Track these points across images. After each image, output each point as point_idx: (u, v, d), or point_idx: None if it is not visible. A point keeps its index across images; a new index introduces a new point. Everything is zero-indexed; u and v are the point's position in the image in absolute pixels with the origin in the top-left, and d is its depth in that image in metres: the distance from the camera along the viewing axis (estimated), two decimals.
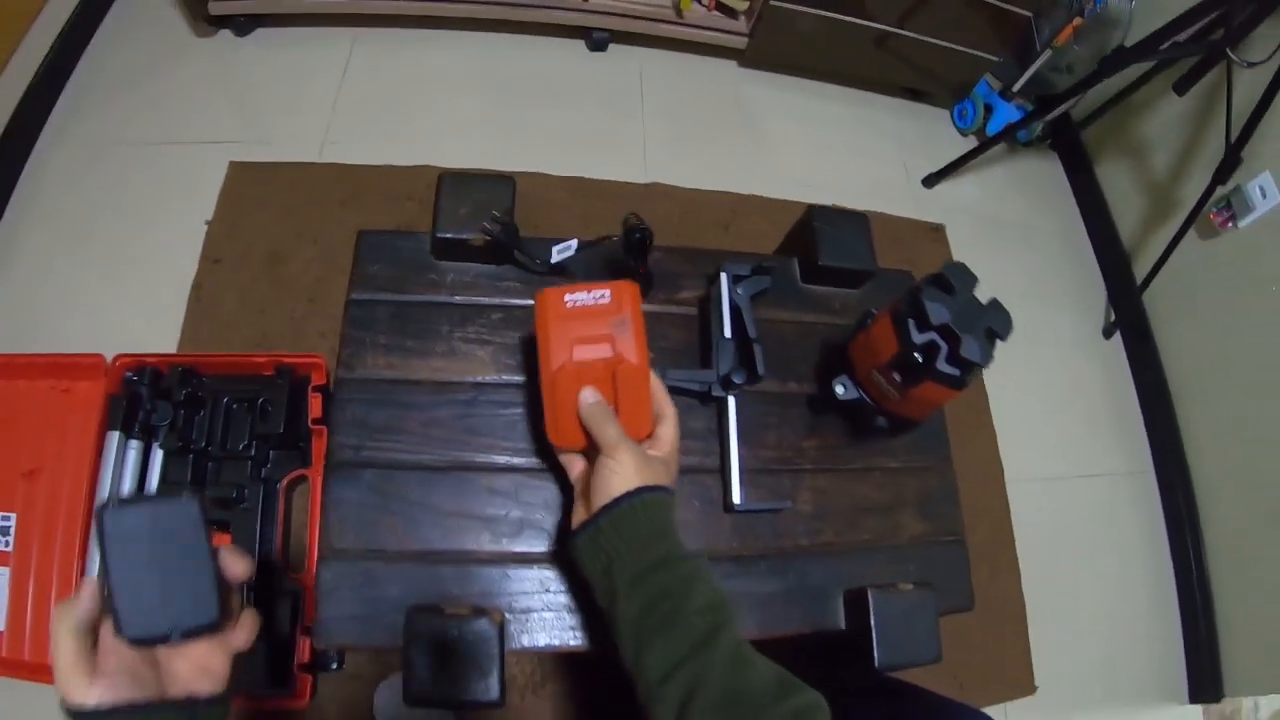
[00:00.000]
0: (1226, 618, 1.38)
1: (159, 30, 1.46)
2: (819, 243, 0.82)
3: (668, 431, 0.59)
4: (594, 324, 0.57)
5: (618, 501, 0.53)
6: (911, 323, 0.64)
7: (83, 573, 0.95)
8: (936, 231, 1.61)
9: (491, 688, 0.57)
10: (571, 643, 0.64)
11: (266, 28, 1.49)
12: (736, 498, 0.69)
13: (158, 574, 0.43)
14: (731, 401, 0.72)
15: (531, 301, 0.67)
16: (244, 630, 0.49)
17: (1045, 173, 1.83)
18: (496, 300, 0.75)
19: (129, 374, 1.04)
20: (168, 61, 1.44)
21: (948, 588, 0.76)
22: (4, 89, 1.31)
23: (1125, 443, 1.55)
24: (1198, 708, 1.39)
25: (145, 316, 1.21)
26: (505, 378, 0.72)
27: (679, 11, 1.54)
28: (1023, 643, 1.30)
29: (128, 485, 0.99)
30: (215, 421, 1.03)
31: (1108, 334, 1.64)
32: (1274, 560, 1.31)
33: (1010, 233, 1.71)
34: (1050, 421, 1.52)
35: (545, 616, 0.64)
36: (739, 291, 0.75)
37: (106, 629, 0.44)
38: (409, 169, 1.36)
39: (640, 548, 0.53)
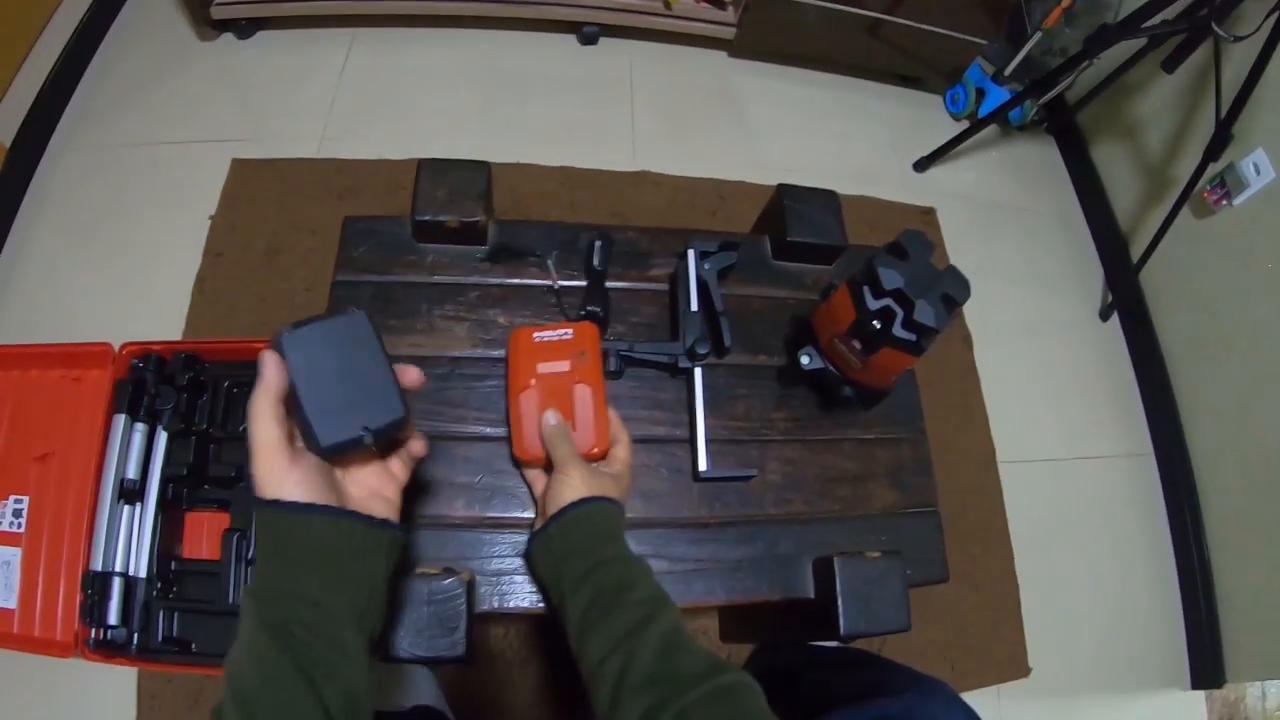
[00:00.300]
0: (1228, 600, 1.37)
1: (164, 35, 1.52)
2: (789, 220, 0.83)
3: (621, 453, 0.66)
4: (557, 355, 0.67)
5: (565, 510, 0.59)
6: (866, 289, 0.65)
7: (89, 553, 0.99)
8: (927, 214, 1.62)
9: (458, 644, 0.60)
10: (540, 604, 0.66)
11: (267, 30, 1.54)
12: (703, 464, 0.71)
13: (341, 384, 0.45)
14: (698, 372, 0.74)
15: (508, 280, 0.79)
16: (420, 440, 0.53)
17: (1040, 156, 1.82)
18: (473, 279, 0.78)
19: (135, 361, 1.09)
20: (173, 65, 1.49)
21: (921, 558, 0.77)
22: (16, 95, 1.37)
23: (1123, 425, 1.55)
24: (1200, 694, 1.37)
25: (152, 308, 1.26)
26: (480, 352, 0.74)
27: (667, 4, 1.56)
28: (1016, 623, 1.30)
29: (133, 465, 1.03)
30: (216, 405, 1.07)
31: (1104, 316, 1.63)
32: (1276, 541, 1.29)
33: (1005, 216, 1.70)
34: (1048, 404, 1.52)
35: (516, 580, 0.66)
36: (705, 267, 0.77)
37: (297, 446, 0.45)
38: (402, 162, 1.40)
39: (585, 550, 0.57)
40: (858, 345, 0.68)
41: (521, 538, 0.68)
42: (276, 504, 0.43)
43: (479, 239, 0.78)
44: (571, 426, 0.64)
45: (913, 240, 0.67)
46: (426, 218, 0.75)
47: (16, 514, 1.08)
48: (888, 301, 0.65)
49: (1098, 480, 1.49)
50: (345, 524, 0.45)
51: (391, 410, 0.47)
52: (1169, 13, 1.25)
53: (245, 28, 1.52)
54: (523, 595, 0.66)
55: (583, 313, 0.76)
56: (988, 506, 1.37)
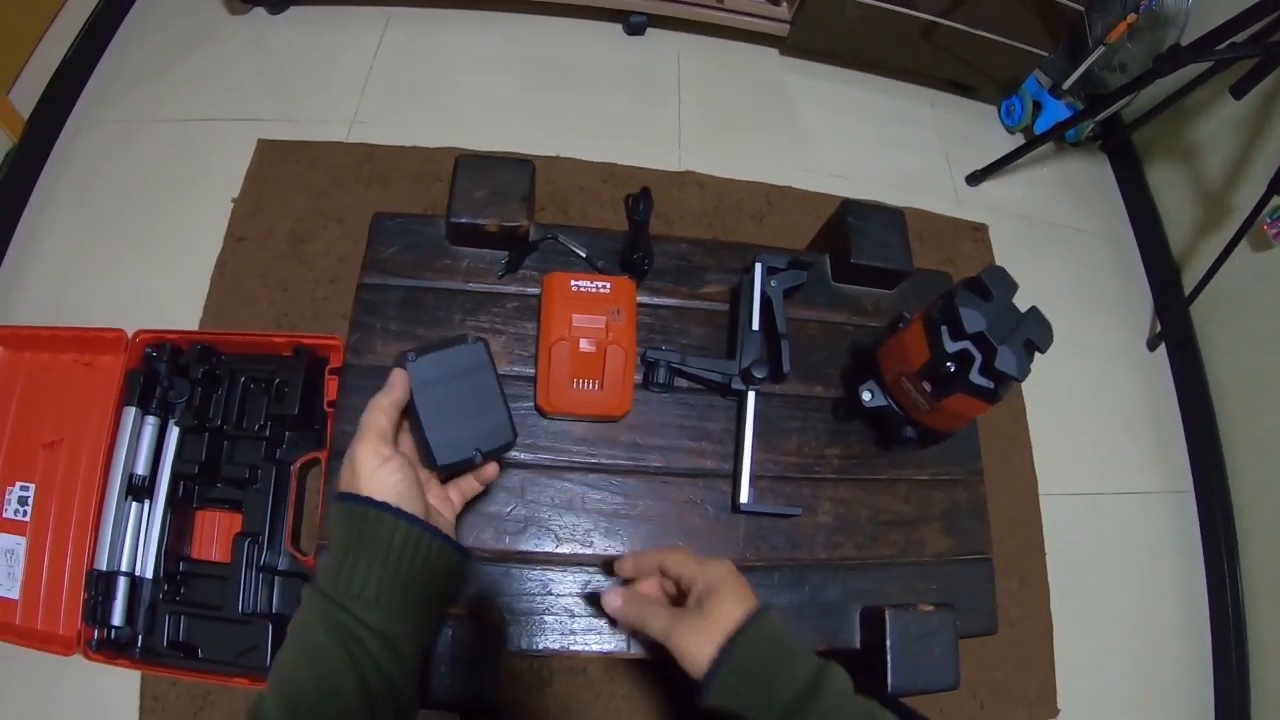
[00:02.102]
0: (1260, 648, 1.31)
1: (193, 6, 1.47)
2: (852, 239, 0.77)
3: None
4: (593, 308, 0.66)
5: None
6: (945, 330, 0.60)
7: (95, 551, 0.95)
8: (979, 231, 1.55)
9: (487, 693, 0.55)
10: (572, 647, 0.61)
11: (300, 5, 1.49)
12: (745, 496, 0.66)
13: (458, 407, 0.50)
14: (751, 396, 0.69)
15: None
16: (492, 467, 0.54)
17: (1094, 175, 1.75)
18: (512, 289, 0.73)
19: (149, 350, 1.05)
20: (201, 39, 1.44)
21: (971, 608, 0.72)
22: (37, 65, 1.32)
23: (1165, 460, 1.48)
24: None
25: (171, 293, 1.21)
26: (517, 369, 0.69)
27: None
28: (1047, 661, 1.25)
29: (143, 462, 1.00)
30: (232, 400, 1.03)
31: (1152, 346, 1.56)
32: None
33: (1055, 236, 1.63)
34: (1089, 435, 1.46)
35: (546, 620, 0.62)
36: (773, 284, 0.72)
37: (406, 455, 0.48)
38: (436, 150, 1.35)
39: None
40: (928, 387, 0.63)
41: (554, 574, 0.63)
42: (364, 500, 0.44)
43: (520, 244, 0.73)
44: (599, 386, 0.64)
45: (996, 279, 0.61)
46: (463, 220, 0.70)
47: (22, 501, 1.04)
48: (966, 344, 0.59)
49: (1135, 516, 1.43)
50: (425, 537, 0.45)
51: (503, 435, 0.52)
52: (1240, 35, 1.18)
53: (277, 2, 1.46)
54: (552, 637, 0.62)
55: (624, 263, 0.72)
56: (1027, 539, 1.31)
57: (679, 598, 0.55)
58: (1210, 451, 1.45)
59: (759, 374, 0.66)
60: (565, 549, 0.64)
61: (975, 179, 1.61)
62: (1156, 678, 1.33)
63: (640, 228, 0.72)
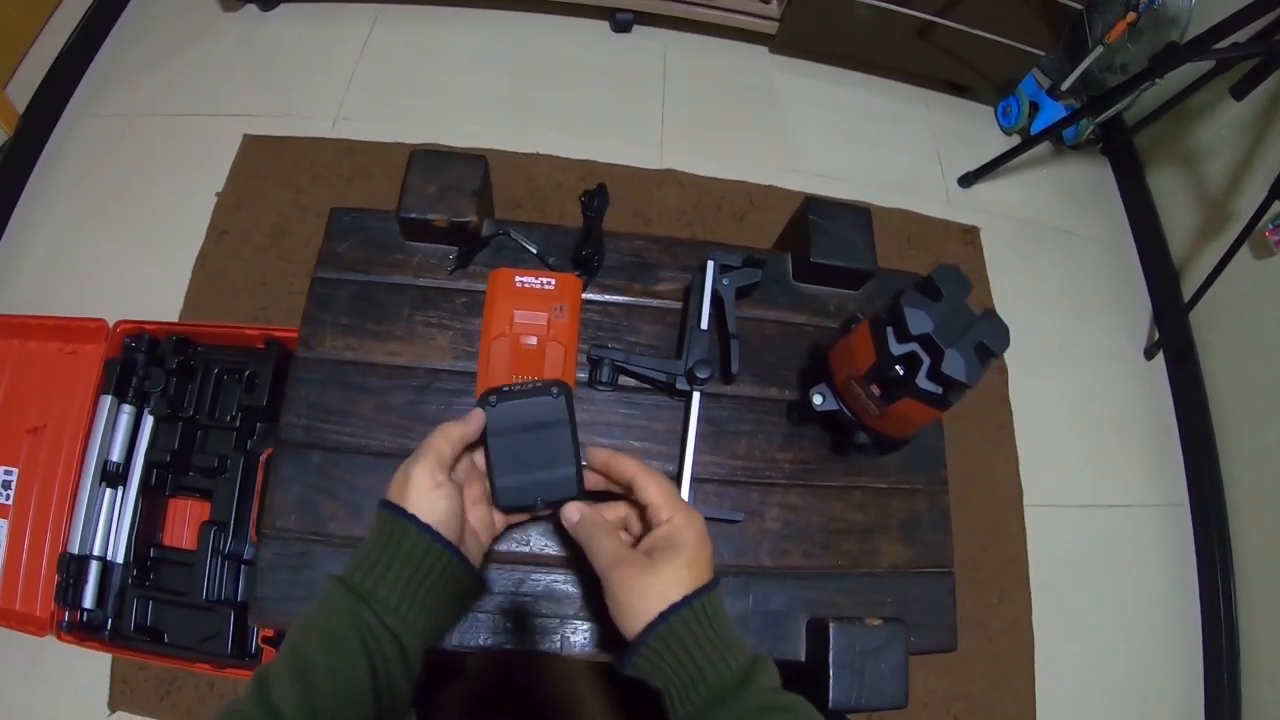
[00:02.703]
0: (1253, 670, 1.27)
1: (187, 3, 1.48)
2: (813, 237, 0.76)
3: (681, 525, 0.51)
4: (536, 304, 0.66)
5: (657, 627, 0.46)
6: (890, 331, 0.58)
7: (68, 534, 0.96)
8: (970, 234, 1.53)
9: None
10: (507, 645, 0.61)
11: (290, 2, 1.50)
12: (685, 499, 0.65)
13: (529, 455, 0.52)
14: (695, 397, 0.67)
15: None
16: None
17: (1093, 178, 1.71)
18: (463, 285, 0.72)
19: (128, 340, 1.06)
20: (194, 34, 1.46)
21: (927, 623, 0.69)
22: (33, 60, 1.34)
23: (1159, 472, 1.45)
24: None
25: (154, 285, 1.23)
26: (462, 365, 0.69)
27: None
28: (1027, 678, 1.23)
29: (118, 450, 1.01)
30: (205, 391, 1.04)
31: (1149, 354, 1.53)
32: None
33: (1052, 240, 1.60)
34: (1081, 444, 1.43)
35: (478, 618, 0.61)
36: (724, 283, 0.71)
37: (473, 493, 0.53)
38: (418, 146, 1.34)
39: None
40: (876, 391, 0.61)
41: (491, 573, 0.62)
42: (410, 517, 0.46)
43: (471, 240, 0.72)
44: (540, 376, 0.61)
45: (947, 278, 0.59)
46: (413, 215, 0.69)
47: (5, 485, 1.06)
48: (913, 347, 0.58)
49: (1126, 528, 1.40)
50: (454, 563, 0.48)
51: (568, 489, 0.53)
52: (1241, 35, 1.15)
53: None
54: (484, 634, 0.61)
55: (575, 259, 0.72)
56: (1010, 551, 1.29)
57: (640, 527, 0.53)
58: (1207, 464, 1.42)
59: (702, 374, 0.65)
60: (500, 546, 0.64)
61: (967, 180, 1.58)
62: (1142, 698, 1.30)
63: (593, 223, 0.72)
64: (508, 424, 0.52)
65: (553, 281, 0.67)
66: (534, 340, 0.65)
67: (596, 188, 0.76)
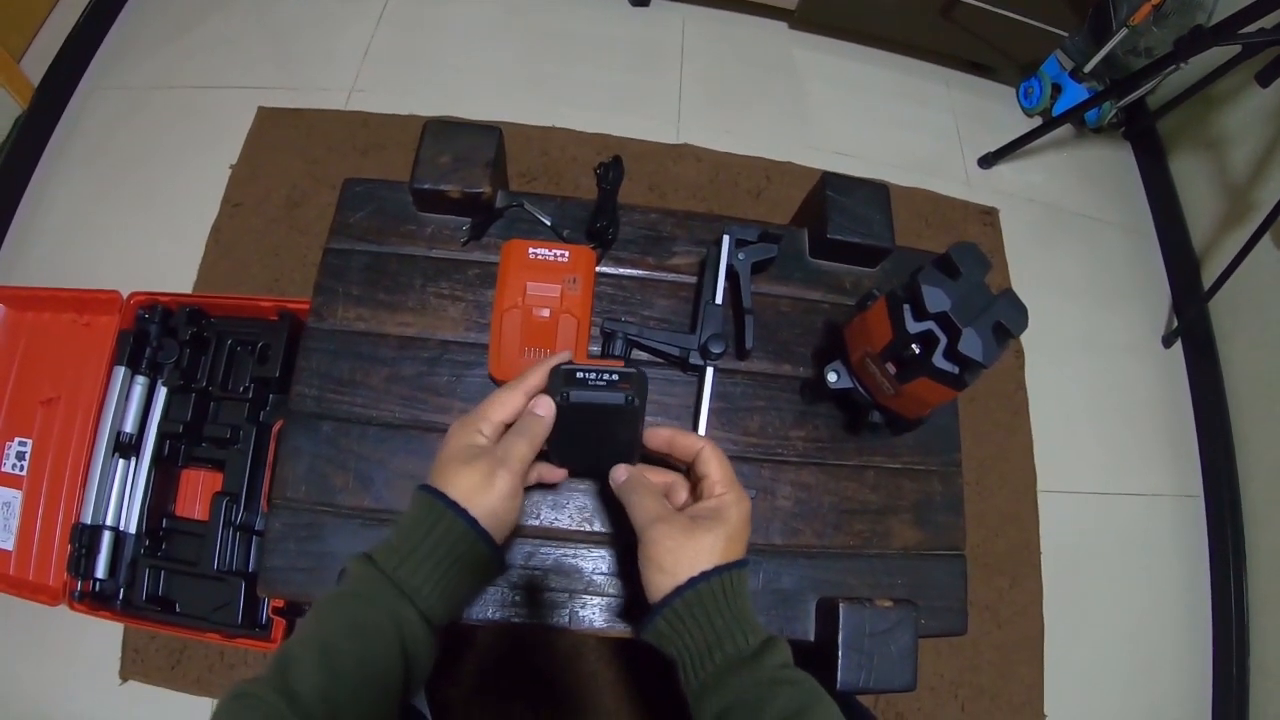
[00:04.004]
0: (1262, 667, 1.26)
1: None
2: (830, 213, 0.75)
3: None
4: (549, 276, 0.65)
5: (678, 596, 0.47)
6: (907, 308, 0.57)
7: (81, 505, 0.97)
8: (989, 215, 1.50)
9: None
10: (514, 619, 0.61)
11: None
12: None
13: (588, 449, 0.54)
14: (709, 372, 0.67)
15: None
16: (559, 472, 0.57)
17: (1115, 162, 1.68)
18: (475, 256, 0.72)
19: (141, 311, 1.06)
20: (210, 7, 1.45)
21: (938, 606, 0.69)
22: (48, 31, 1.34)
23: (1174, 462, 1.43)
24: None
25: (169, 256, 1.23)
26: (473, 337, 0.68)
27: None
28: (1036, 665, 1.22)
29: (131, 421, 1.01)
30: (218, 362, 1.04)
31: (1167, 342, 1.50)
32: None
33: (1071, 223, 1.57)
34: (1096, 431, 1.41)
35: (489, 591, 0.61)
36: (740, 257, 0.70)
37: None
38: (433, 119, 1.34)
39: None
40: (891, 370, 0.60)
41: None
42: (460, 511, 0.46)
43: (484, 211, 0.72)
44: (551, 354, 0.60)
45: (966, 255, 0.58)
46: (426, 185, 0.69)
47: (20, 456, 1.07)
48: (930, 325, 0.57)
49: (1140, 519, 1.38)
50: (491, 557, 0.48)
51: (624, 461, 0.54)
52: (1268, 21, 1.12)
53: None
54: (491, 608, 0.61)
55: (589, 231, 0.72)
56: (1022, 537, 1.28)
57: (686, 498, 0.55)
58: (1223, 455, 1.40)
59: (715, 349, 0.65)
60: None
61: (988, 161, 1.55)
62: (1150, 690, 1.28)
63: (608, 196, 0.71)
64: (575, 418, 0.50)
65: (566, 254, 0.66)
66: (547, 312, 0.64)
67: (611, 160, 0.75)
